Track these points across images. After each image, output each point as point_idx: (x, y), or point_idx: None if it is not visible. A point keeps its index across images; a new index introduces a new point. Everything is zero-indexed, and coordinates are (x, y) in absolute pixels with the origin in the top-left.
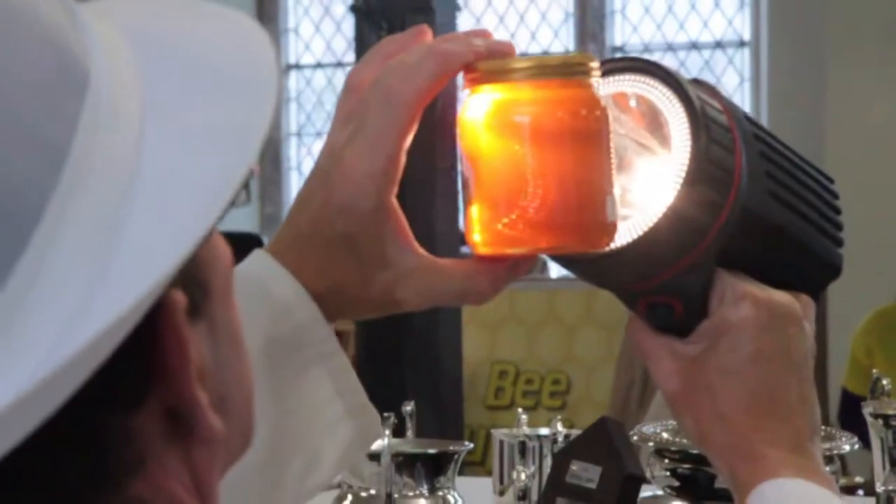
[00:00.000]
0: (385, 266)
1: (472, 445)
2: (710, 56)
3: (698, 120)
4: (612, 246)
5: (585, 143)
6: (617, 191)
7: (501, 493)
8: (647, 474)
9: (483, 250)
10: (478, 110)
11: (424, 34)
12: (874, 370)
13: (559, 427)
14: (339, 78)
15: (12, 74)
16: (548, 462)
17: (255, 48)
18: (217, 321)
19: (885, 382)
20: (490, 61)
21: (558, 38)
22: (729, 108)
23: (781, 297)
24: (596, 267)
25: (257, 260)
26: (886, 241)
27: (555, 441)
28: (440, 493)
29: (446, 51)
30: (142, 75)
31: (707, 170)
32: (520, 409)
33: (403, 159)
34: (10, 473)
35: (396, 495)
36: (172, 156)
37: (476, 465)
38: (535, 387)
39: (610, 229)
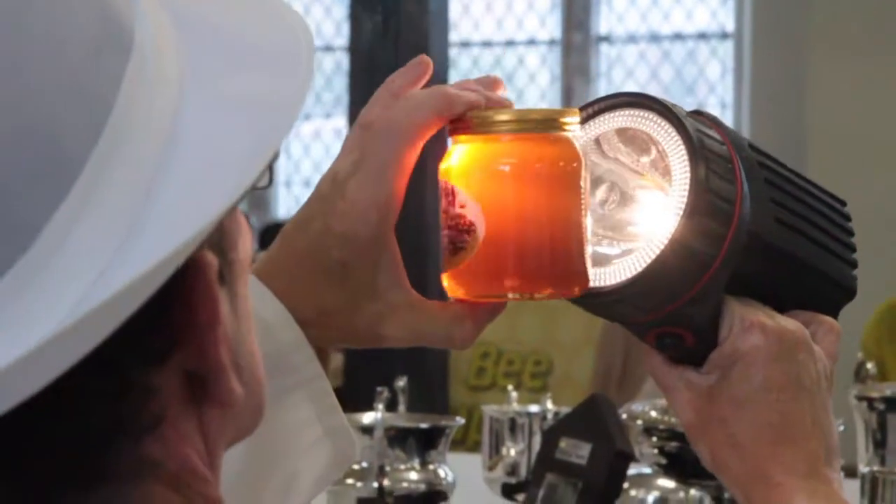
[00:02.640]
0: (374, 298)
1: (463, 421)
2: (693, 47)
3: (696, 152)
4: (618, 281)
5: (562, 193)
6: (590, 240)
7: (491, 469)
8: (636, 452)
9: (457, 295)
10: (459, 159)
11: (426, 65)
12: (868, 364)
13: (549, 404)
14: (329, 124)
15: (63, 30)
16: (537, 439)
17: (291, 25)
18: (237, 294)
19: (869, 366)
20: (475, 111)
21: (545, 27)
22: (731, 137)
23: (790, 323)
24: (602, 302)
25: None
26: (871, 233)
27: (544, 418)
28: (431, 467)
29: (452, 93)
30: (182, 46)
31: (707, 201)
32: (509, 387)
33: (403, 192)
34: (37, 415)
35: (388, 468)
36: (210, 121)
37: (457, 443)
38: (517, 368)
39: (582, 278)
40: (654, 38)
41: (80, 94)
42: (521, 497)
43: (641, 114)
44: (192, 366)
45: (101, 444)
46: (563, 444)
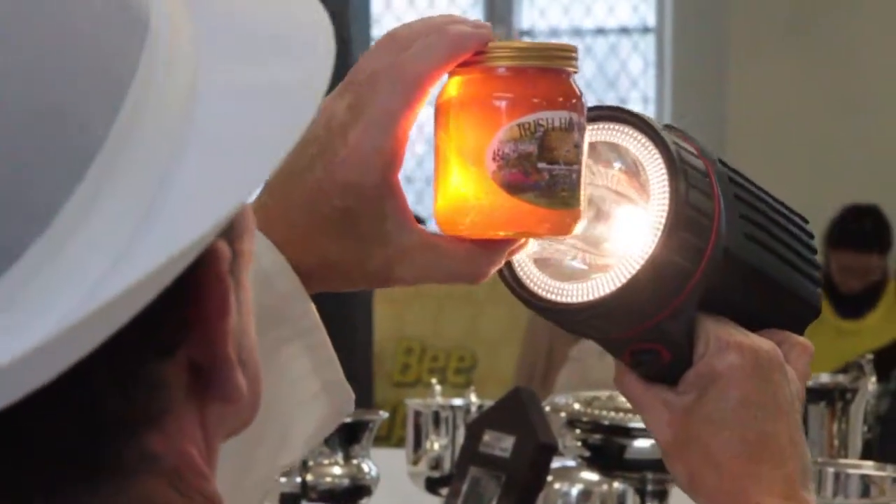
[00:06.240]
0: (383, 243)
1: (386, 415)
2: (615, 41)
3: (676, 166)
4: (596, 296)
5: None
6: (585, 181)
7: (415, 463)
8: (559, 445)
9: (452, 231)
10: (450, 93)
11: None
12: None
13: (473, 398)
14: None
15: (79, 12)
16: (461, 432)
17: (308, 14)
18: (242, 286)
19: None
20: None
21: None
22: (703, 152)
23: (764, 343)
24: (580, 319)
25: None
26: None
27: (468, 411)
28: (355, 462)
29: (459, 32)
30: (196, 31)
31: (687, 215)
32: (433, 380)
33: (408, 139)
34: (45, 404)
35: (311, 463)
36: (226, 107)
37: (381, 439)
38: (441, 363)
39: (576, 216)
40: (577, 32)
41: (98, 76)
42: (444, 491)
43: (617, 127)
44: (197, 358)
45: (107, 436)
46: (487, 437)
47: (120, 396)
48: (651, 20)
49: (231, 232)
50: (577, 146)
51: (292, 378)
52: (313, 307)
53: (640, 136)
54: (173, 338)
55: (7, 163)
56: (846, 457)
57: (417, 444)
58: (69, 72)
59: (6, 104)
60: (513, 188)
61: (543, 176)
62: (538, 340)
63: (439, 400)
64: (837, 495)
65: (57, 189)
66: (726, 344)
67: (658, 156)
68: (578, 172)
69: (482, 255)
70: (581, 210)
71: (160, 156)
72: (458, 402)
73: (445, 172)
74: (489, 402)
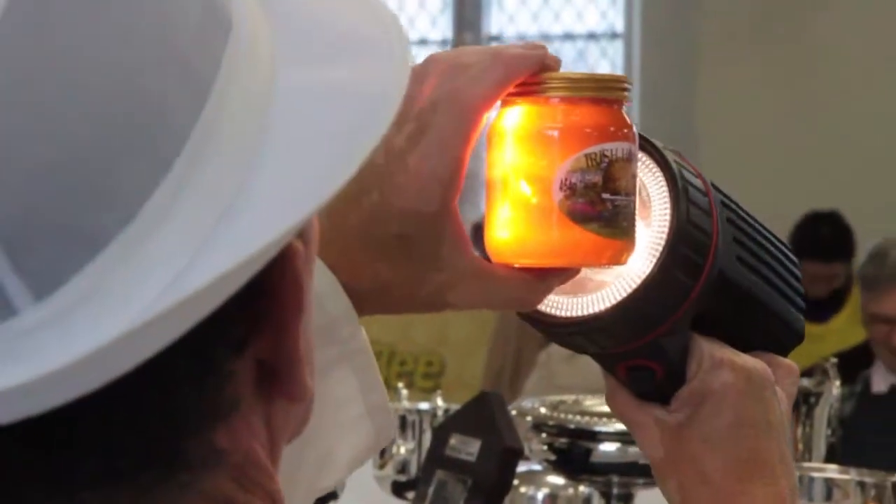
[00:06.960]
0: (439, 269)
1: None
2: (583, 47)
3: (678, 184)
4: (595, 311)
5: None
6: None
7: (381, 467)
8: (525, 449)
9: (502, 259)
10: (509, 122)
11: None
12: None
13: (439, 401)
14: None
15: (174, 12)
16: (427, 437)
17: (378, 15)
18: (308, 287)
19: None
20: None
21: (436, 27)
22: (701, 173)
23: (755, 362)
24: (579, 332)
25: None
26: None
27: (434, 415)
28: None
29: (514, 55)
30: (272, 31)
31: (688, 231)
32: (400, 384)
33: (466, 164)
34: (118, 399)
35: None
36: (304, 107)
37: None
38: (409, 368)
39: (632, 246)
40: (545, 37)
41: (186, 73)
42: (411, 495)
43: None
44: (267, 355)
45: (177, 429)
46: (454, 440)
47: (192, 391)
48: (619, 26)
49: (303, 233)
50: (634, 176)
51: (338, 399)
52: (363, 330)
53: (641, 154)
54: (247, 333)
55: (99, 154)
56: (810, 460)
57: (384, 448)
58: (161, 68)
59: (101, 96)
60: (579, 218)
61: (607, 206)
62: (506, 345)
63: (406, 404)
64: (801, 499)
65: (145, 181)
66: (720, 362)
67: (660, 173)
68: (635, 203)
69: (536, 282)
70: (635, 235)
71: (242, 153)
72: (424, 405)
73: (503, 202)
74: (456, 406)
